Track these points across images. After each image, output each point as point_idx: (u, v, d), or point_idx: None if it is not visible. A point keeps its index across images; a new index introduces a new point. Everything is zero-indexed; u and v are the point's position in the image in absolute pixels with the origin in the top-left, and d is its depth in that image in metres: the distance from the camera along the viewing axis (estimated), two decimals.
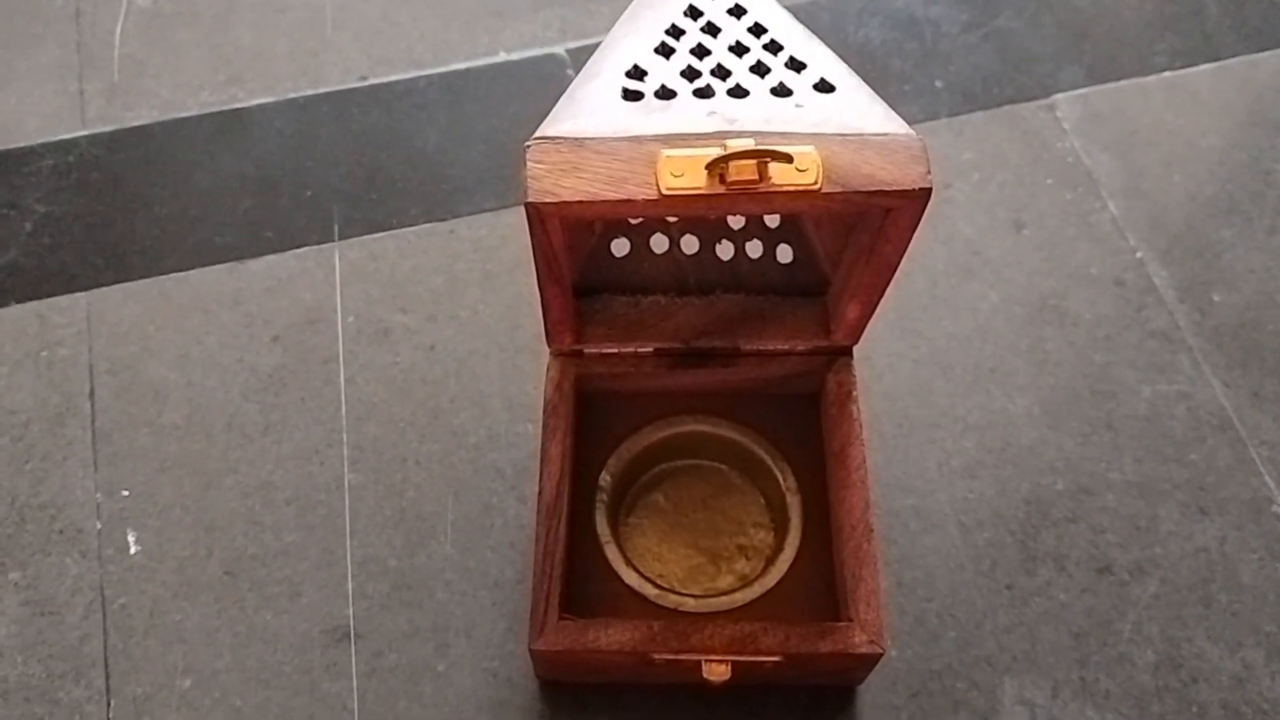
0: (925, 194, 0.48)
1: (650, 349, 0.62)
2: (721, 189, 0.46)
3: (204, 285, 0.72)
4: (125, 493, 0.65)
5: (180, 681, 0.60)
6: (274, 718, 0.59)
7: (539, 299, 0.56)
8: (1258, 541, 0.65)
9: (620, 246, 0.62)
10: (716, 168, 0.46)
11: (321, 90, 0.81)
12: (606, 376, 0.63)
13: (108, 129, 0.79)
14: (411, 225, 0.75)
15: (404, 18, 0.84)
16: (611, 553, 0.60)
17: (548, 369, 0.62)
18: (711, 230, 0.61)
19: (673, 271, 0.62)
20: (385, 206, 0.76)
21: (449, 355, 0.70)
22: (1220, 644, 0.62)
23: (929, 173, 0.48)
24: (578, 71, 0.83)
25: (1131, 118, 0.81)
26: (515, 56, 0.83)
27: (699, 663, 0.54)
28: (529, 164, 0.47)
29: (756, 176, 0.46)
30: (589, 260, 0.61)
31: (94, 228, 0.74)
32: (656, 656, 0.54)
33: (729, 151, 0.45)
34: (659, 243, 0.62)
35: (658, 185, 0.46)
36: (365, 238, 0.74)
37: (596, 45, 0.84)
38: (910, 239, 0.51)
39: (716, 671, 0.54)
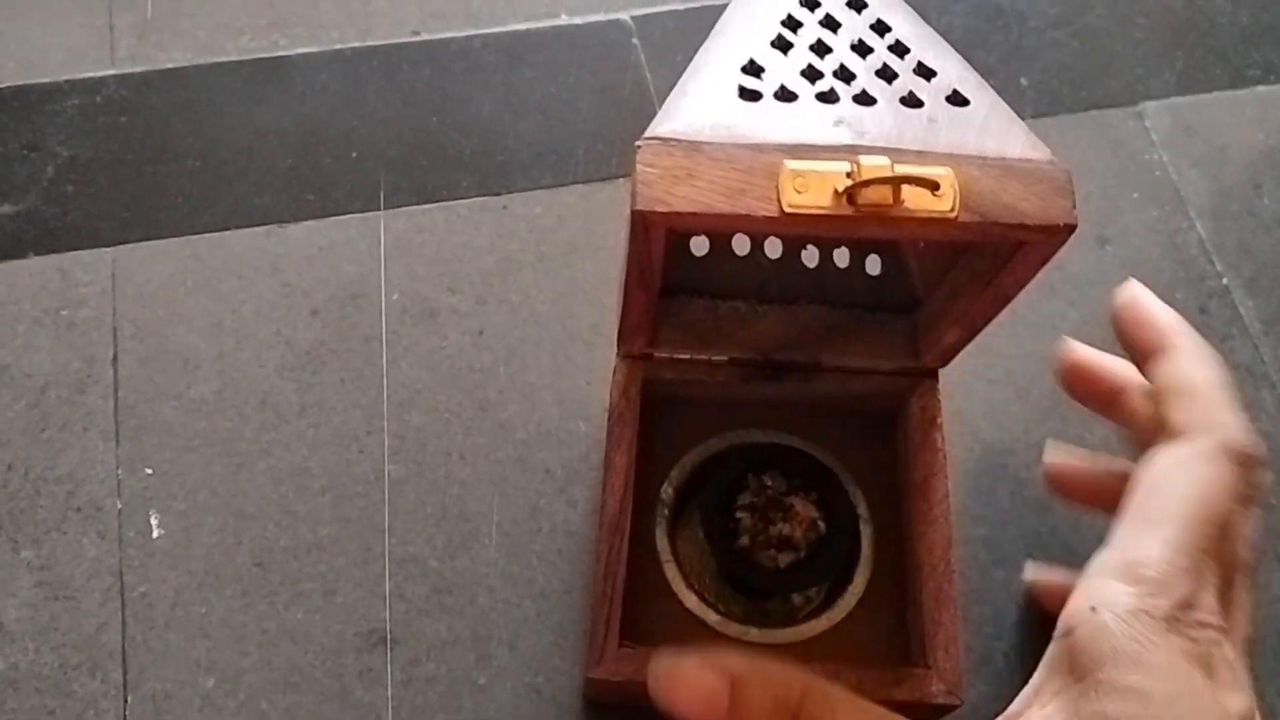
0: (1069, 230, 0.44)
1: (725, 358, 0.58)
2: (849, 210, 0.42)
3: (240, 248, 0.67)
4: (149, 470, 0.61)
5: (203, 680, 0.56)
6: None
7: (620, 299, 0.52)
8: None
9: (699, 244, 0.58)
10: (849, 188, 0.41)
11: (370, 43, 0.75)
12: (675, 383, 0.58)
13: (139, 69, 0.73)
14: (462, 198, 0.70)
15: None
16: (671, 572, 0.57)
17: (614, 371, 0.58)
18: None
19: (755, 276, 0.58)
20: (435, 175, 0.71)
21: (498, 342, 0.66)
22: None
23: (1074, 207, 0.44)
24: (642, 40, 0.79)
25: (1222, 133, 0.77)
26: (578, 20, 0.78)
27: None
28: (640, 168, 0.42)
29: (890, 200, 0.42)
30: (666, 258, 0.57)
31: (121, 177, 0.69)
32: None
33: (867, 175, 0.41)
34: (740, 243, 0.58)
35: (779, 201, 0.42)
36: (413, 208, 0.69)
37: (665, 14, 0.79)
38: (1036, 274, 0.47)
39: None
